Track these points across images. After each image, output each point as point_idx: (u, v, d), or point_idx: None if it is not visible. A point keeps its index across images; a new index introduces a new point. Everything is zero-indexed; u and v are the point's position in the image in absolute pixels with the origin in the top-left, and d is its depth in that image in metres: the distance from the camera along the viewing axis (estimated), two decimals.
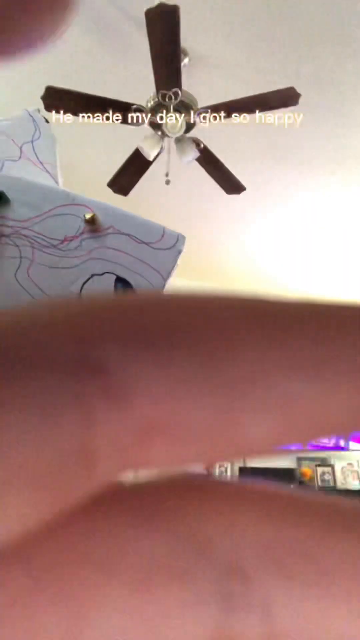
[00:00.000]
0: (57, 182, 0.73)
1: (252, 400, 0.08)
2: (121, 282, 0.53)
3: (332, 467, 4.07)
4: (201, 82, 2.56)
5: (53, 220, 0.58)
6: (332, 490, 3.95)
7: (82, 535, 0.09)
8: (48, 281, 0.55)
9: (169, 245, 0.56)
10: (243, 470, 4.18)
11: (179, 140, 2.45)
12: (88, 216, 0.57)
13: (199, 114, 2.34)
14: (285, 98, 2.24)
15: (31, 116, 0.76)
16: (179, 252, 0.56)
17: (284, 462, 4.25)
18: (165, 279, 0.54)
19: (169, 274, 0.55)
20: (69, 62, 2.54)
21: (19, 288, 0.55)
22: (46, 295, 0.54)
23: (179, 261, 0.61)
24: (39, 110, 0.73)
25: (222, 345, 0.08)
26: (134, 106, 2.32)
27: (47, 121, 0.78)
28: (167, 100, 2.23)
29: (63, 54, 2.49)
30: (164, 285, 0.54)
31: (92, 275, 0.56)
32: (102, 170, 3.15)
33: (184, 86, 2.23)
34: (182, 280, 4.74)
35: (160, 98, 2.23)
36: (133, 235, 0.56)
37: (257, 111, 2.32)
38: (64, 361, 0.08)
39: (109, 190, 2.84)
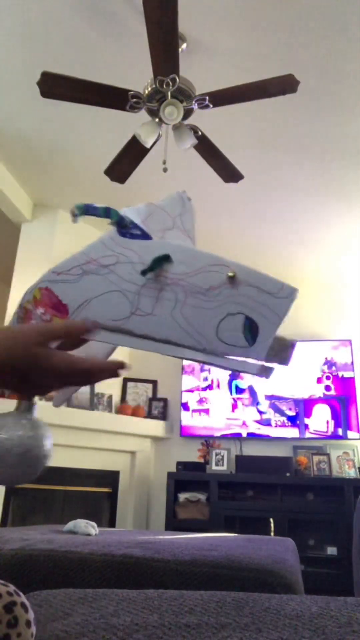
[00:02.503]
0: (194, 244, 0.99)
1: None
2: (248, 320, 0.76)
3: (328, 455, 4.10)
4: (199, 68, 2.54)
5: (202, 275, 0.82)
6: (328, 478, 3.98)
7: None
8: (195, 317, 0.79)
9: (286, 295, 0.77)
10: (239, 458, 4.21)
11: (176, 128, 2.43)
12: (230, 274, 0.81)
13: (197, 100, 2.32)
14: (284, 85, 2.23)
15: (180, 196, 1.04)
16: (293, 300, 0.77)
17: (280, 450, 4.28)
18: (281, 318, 0.76)
19: (284, 315, 0.76)
20: (66, 48, 2.51)
21: (173, 322, 0.80)
22: (191, 326, 0.79)
23: None
24: (184, 192, 1.06)
25: None
26: (131, 92, 2.30)
27: (189, 199, 1.06)
28: (164, 86, 2.21)
29: (60, 39, 2.46)
30: (279, 323, 0.75)
31: (227, 314, 0.78)
32: (98, 157, 3.13)
33: (182, 72, 2.21)
34: None
35: (157, 84, 2.21)
36: (260, 288, 0.79)
37: (255, 98, 2.30)
38: None
39: (106, 178, 2.82)
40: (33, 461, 0.73)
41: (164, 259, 0.84)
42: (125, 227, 0.90)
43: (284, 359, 0.78)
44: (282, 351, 0.78)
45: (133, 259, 0.87)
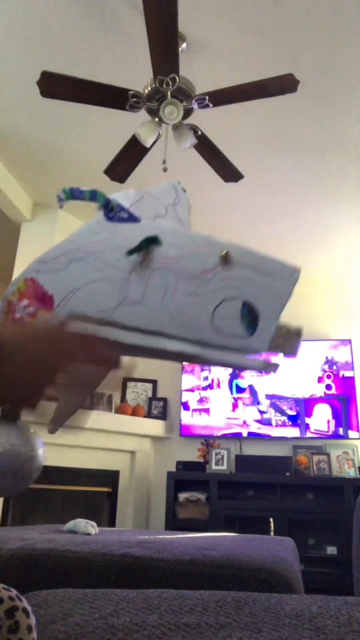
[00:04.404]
0: None
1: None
2: (246, 306, 0.68)
3: (328, 455, 4.10)
4: (199, 68, 2.53)
5: (194, 258, 0.74)
6: (328, 478, 3.98)
7: None
8: (187, 305, 0.71)
9: (287, 276, 0.69)
10: (239, 458, 4.21)
11: (176, 127, 2.43)
12: (222, 253, 0.72)
13: (197, 100, 2.32)
14: (283, 85, 2.22)
15: (174, 187, 0.96)
16: (295, 281, 0.69)
17: (280, 450, 4.28)
18: (283, 303, 0.68)
19: (286, 299, 0.69)
20: (66, 47, 2.51)
21: (164, 311, 0.72)
22: (184, 315, 0.71)
23: None
24: (179, 183, 0.99)
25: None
26: (131, 92, 2.30)
27: (184, 190, 0.98)
28: (164, 86, 2.21)
29: (59, 38, 2.46)
30: (281, 309, 0.68)
31: (223, 300, 0.70)
32: (98, 157, 3.13)
33: (182, 72, 2.21)
34: None
35: (157, 84, 2.21)
36: (258, 269, 0.71)
37: (255, 98, 2.30)
38: None
39: (106, 177, 2.82)
40: (26, 473, 0.69)
41: (152, 241, 0.77)
42: (112, 211, 0.83)
43: (290, 350, 0.72)
44: (287, 340, 0.71)
45: (121, 243, 0.80)
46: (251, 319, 0.69)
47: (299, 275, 0.70)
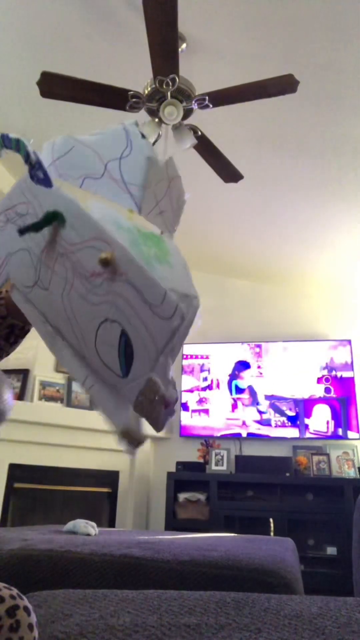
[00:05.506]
0: (138, 206, 0.68)
1: None
2: (125, 337, 0.51)
3: (328, 455, 4.10)
4: (199, 68, 2.53)
5: (86, 252, 0.57)
6: (328, 478, 3.98)
7: None
8: (79, 310, 0.56)
9: (167, 315, 0.49)
10: (239, 458, 4.21)
11: (176, 128, 2.43)
12: (102, 257, 0.52)
13: (197, 100, 2.32)
14: (283, 85, 2.23)
15: (124, 131, 0.71)
16: (176, 324, 0.48)
17: (280, 450, 4.28)
18: (158, 349, 0.48)
19: (163, 346, 0.48)
20: (66, 47, 2.51)
21: (62, 307, 0.57)
22: (76, 320, 0.56)
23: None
24: (136, 124, 0.73)
25: None
26: (131, 92, 2.30)
27: (143, 136, 0.72)
28: (164, 86, 2.21)
29: (59, 39, 2.46)
30: (155, 357, 0.49)
31: (106, 319, 0.54)
32: None
33: (182, 72, 2.21)
34: None
35: (157, 84, 2.21)
36: (140, 290, 0.51)
37: (255, 98, 2.30)
38: None
39: None
40: None
41: (52, 218, 0.62)
42: (32, 167, 0.66)
43: (154, 420, 0.54)
44: (152, 405, 0.51)
45: (37, 211, 0.65)
46: (127, 356, 0.52)
47: (180, 318, 0.49)
